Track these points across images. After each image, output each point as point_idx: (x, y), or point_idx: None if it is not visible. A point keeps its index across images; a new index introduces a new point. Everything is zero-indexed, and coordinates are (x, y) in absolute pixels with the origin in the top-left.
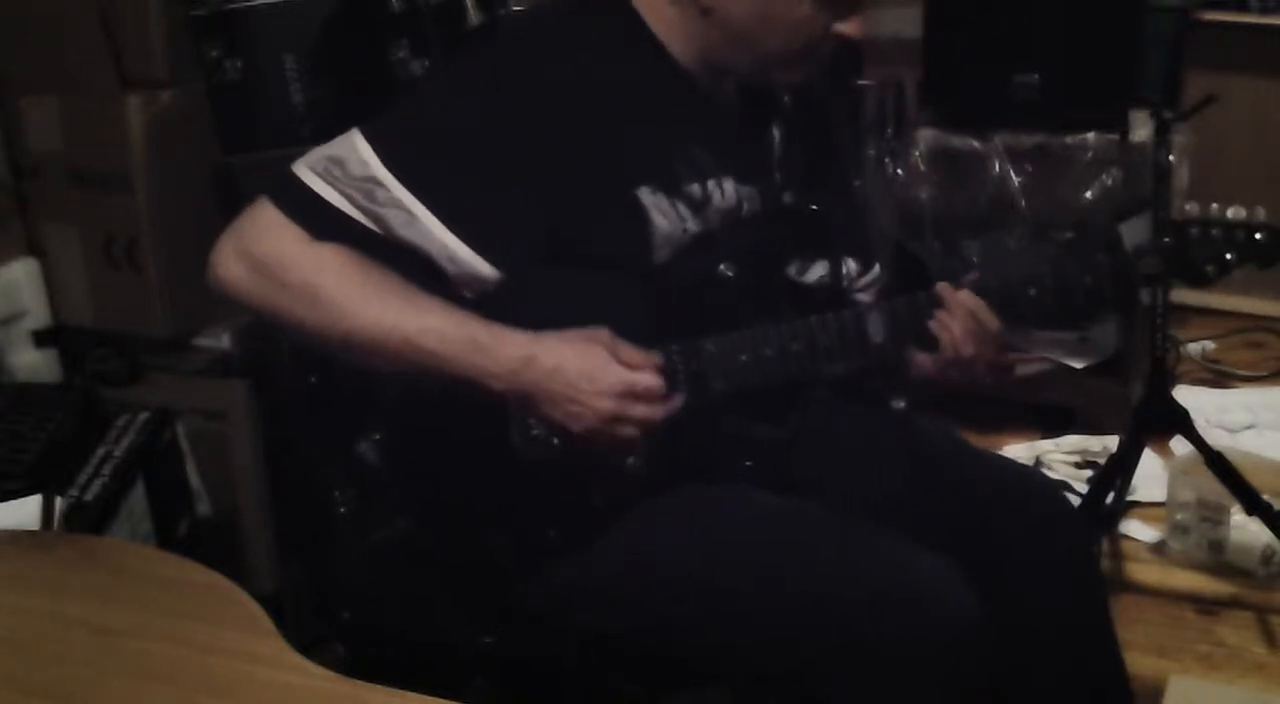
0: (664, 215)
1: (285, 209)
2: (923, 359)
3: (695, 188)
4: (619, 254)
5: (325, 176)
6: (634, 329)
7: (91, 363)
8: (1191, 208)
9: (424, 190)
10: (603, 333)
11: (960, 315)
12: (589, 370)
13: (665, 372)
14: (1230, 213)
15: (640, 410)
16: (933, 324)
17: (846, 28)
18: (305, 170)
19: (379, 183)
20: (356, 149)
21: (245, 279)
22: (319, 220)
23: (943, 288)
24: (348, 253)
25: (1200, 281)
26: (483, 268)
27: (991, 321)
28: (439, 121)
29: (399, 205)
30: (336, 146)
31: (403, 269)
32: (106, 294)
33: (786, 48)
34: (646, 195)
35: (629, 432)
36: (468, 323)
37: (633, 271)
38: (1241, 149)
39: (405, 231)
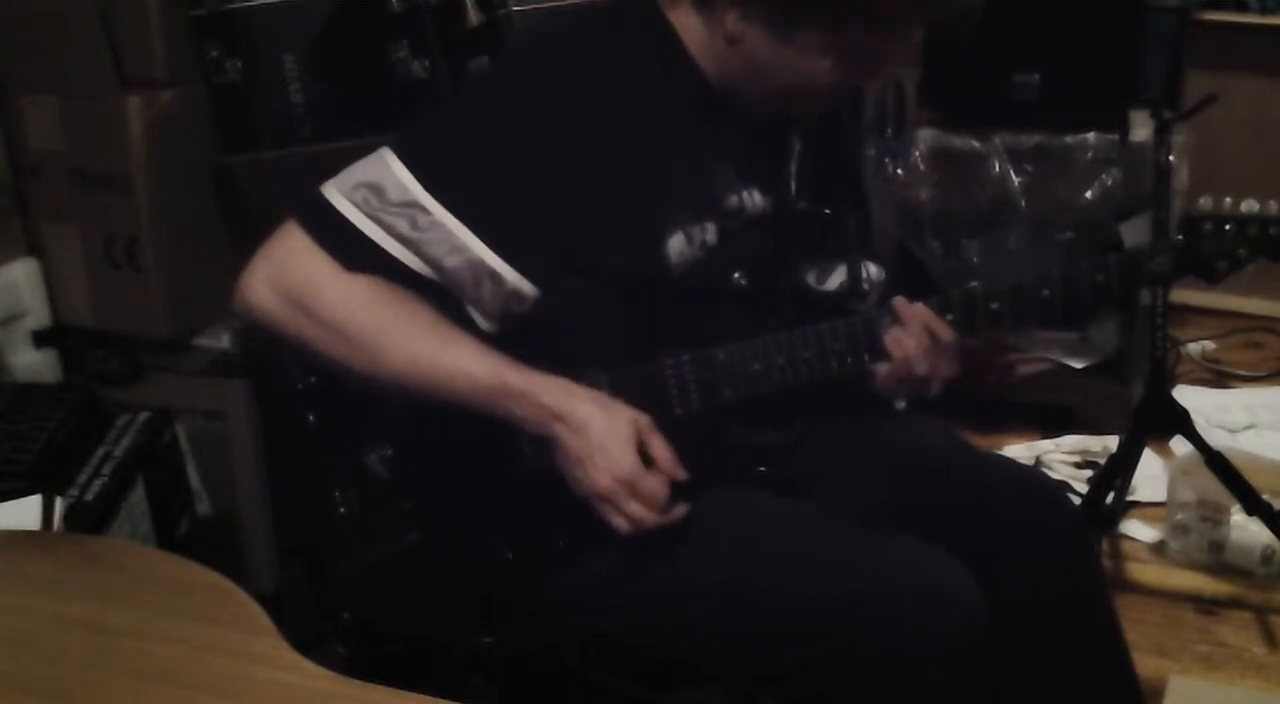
0: (686, 232)
1: (317, 238)
2: (879, 376)
3: (722, 201)
4: (635, 267)
5: (363, 207)
6: (646, 337)
7: (91, 363)
8: (1205, 202)
9: (467, 214)
10: (644, 419)
11: (916, 336)
12: (608, 444)
13: (676, 390)
14: (1244, 206)
15: (632, 507)
16: (888, 339)
17: (865, 83)
18: (339, 197)
19: (422, 208)
20: (394, 174)
21: (275, 308)
22: (353, 252)
23: (898, 302)
24: (379, 285)
25: (1212, 277)
26: (526, 287)
27: (945, 338)
28: (478, 144)
29: (441, 229)
30: (370, 170)
31: (432, 299)
32: (106, 294)
33: (801, 91)
34: (675, 212)
35: (615, 519)
36: (500, 366)
37: (647, 284)
38: (1241, 149)
39: (448, 258)
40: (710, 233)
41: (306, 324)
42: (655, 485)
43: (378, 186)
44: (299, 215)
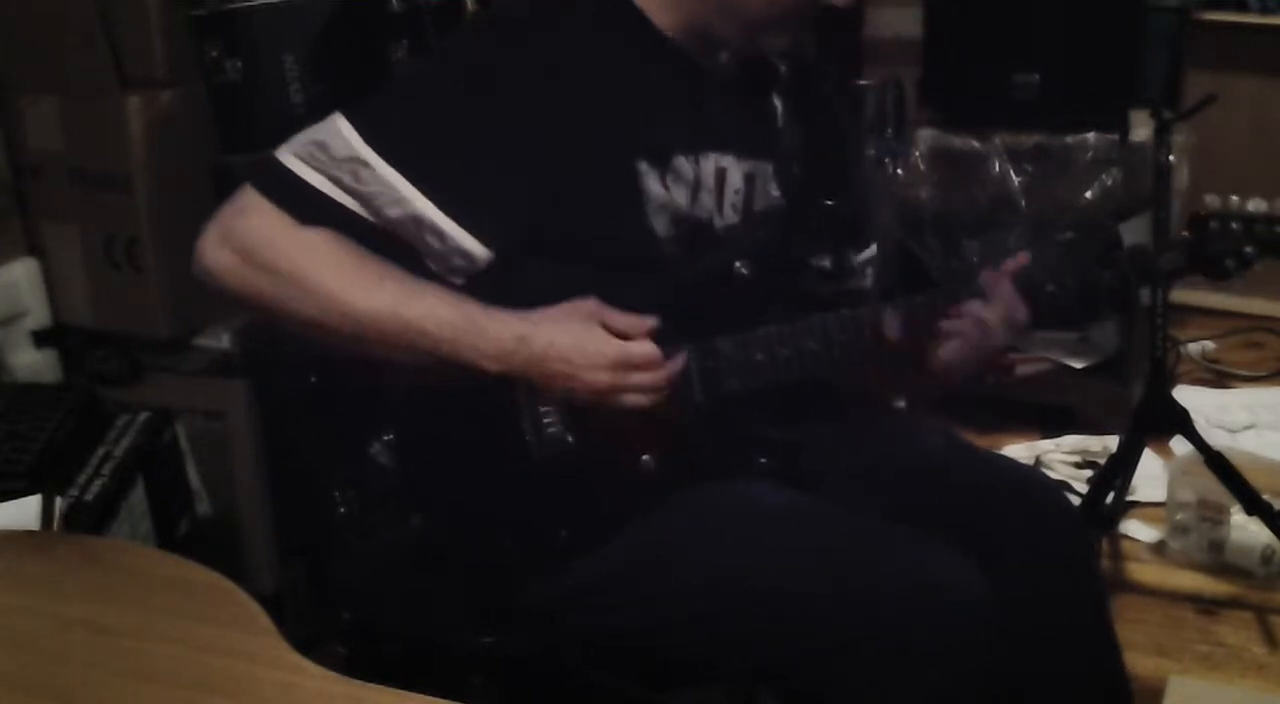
0: (657, 183)
1: (270, 195)
2: (943, 354)
3: (686, 163)
4: (612, 231)
5: (310, 161)
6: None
7: (91, 363)
8: (1212, 200)
9: (408, 167)
10: (590, 303)
11: (1000, 307)
12: (580, 345)
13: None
14: (1251, 206)
15: (639, 378)
16: (959, 321)
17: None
18: (289, 156)
19: (363, 162)
20: (339, 131)
21: (232, 267)
22: (304, 205)
23: (991, 276)
24: (335, 237)
25: (1220, 276)
26: (471, 245)
27: (1021, 313)
28: (419, 99)
29: (384, 184)
30: (318, 131)
31: (389, 255)
32: (106, 294)
33: (771, 14)
34: (635, 169)
35: (635, 400)
36: (461, 304)
37: (632, 253)
38: (1241, 149)
39: (391, 210)
40: (684, 199)
41: (264, 280)
42: (644, 349)
43: (323, 143)
44: (251, 176)
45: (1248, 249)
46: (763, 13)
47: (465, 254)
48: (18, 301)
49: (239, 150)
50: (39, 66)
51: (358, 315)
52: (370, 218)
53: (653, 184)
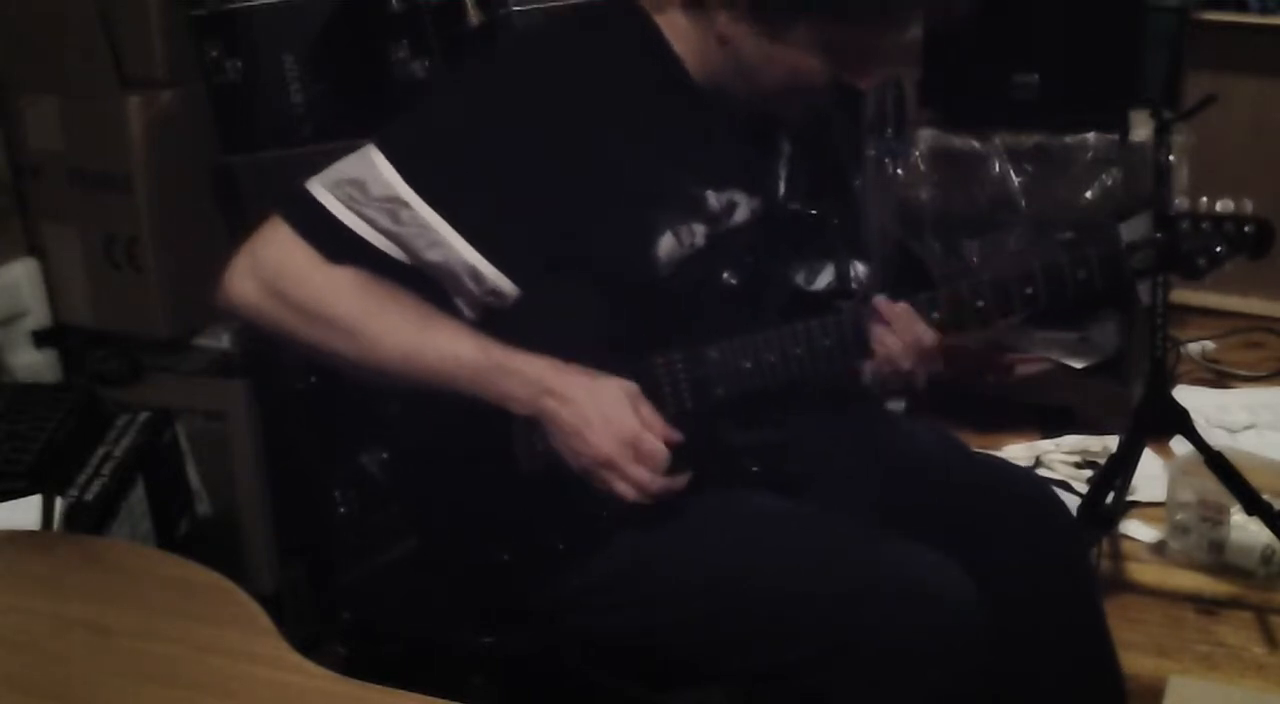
0: (675, 232)
1: (300, 231)
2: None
3: (708, 202)
4: (623, 267)
5: (345, 201)
6: (636, 337)
7: (91, 363)
8: (1181, 201)
9: (449, 209)
10: (631, 385)
11: (899, 328)
12: (604, 410)
13: (667, 400)
14: (1219, 206)
15: (636, 471)
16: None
17: (857, 81)
18: (323, 192)
19: (403, 203)
20: (377, 168)
21: (259, 300)
22: (336, 244)
23: (878, 301)
24: (363, 275)
25: (1192, 274)
26: (505, 285)
27: (929, 338)
28: (462, 140)
29: (422, 225)
30: (354, 166)
31: (415, 291)
32: (106, 294)
33: (790, 89)
34: (661, 212)
35: (621, 487)
36: (487, 347)
37: (635, 284)
38: (1241, 149)
39: (428, 252)
40: (699, 234)
41: (290, 314)
42: (656, 445)
43: (360, 181)
44: (283, 209)
45: (1219, 248)
46: (777, 86)
47: (497, 293)
48: (18, 301)
49: (239, 150)
50: (39, 66)
51: (381, 353)
52: (404, 259)
53: (670, 221)
